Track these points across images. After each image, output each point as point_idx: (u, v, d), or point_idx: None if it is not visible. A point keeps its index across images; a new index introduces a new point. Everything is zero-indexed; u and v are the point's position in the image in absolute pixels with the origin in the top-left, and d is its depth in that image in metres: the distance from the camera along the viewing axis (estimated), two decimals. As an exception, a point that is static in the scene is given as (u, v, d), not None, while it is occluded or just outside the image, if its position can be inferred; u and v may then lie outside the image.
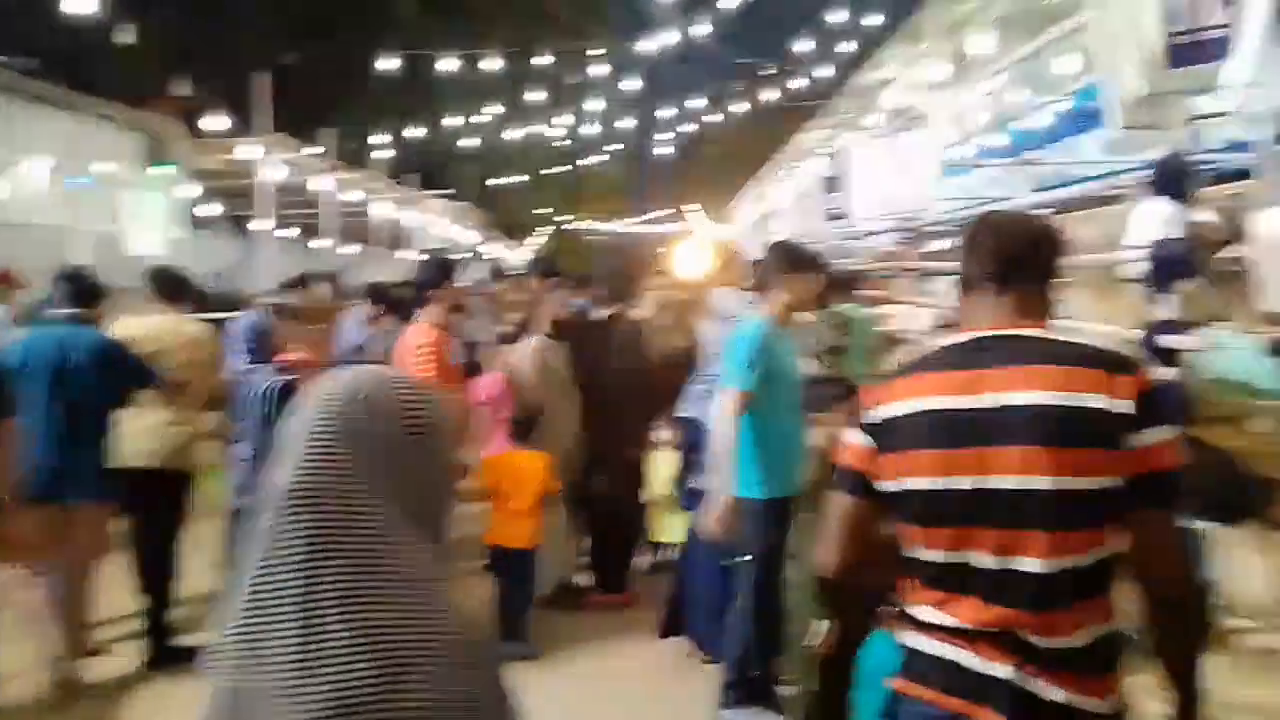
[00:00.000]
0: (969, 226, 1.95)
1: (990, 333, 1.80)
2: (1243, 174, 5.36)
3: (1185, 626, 1.73)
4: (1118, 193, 6.26)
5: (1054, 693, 1.64)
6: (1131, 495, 1.65)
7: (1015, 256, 1.83)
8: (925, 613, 1.78)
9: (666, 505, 4.89)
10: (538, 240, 36.99)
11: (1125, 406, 1.64)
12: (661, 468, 4.95)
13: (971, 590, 1.71)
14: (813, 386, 4.04)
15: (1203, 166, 5.53)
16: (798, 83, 20.45)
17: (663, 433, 4.94)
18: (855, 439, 1.89)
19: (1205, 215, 5.06)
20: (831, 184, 15.12)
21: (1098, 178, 7.11)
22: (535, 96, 22.04)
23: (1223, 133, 5.72)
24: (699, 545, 4.29)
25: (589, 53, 21.43)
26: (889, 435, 1.81)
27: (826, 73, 18.66)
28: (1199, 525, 3.47)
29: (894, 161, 12.43)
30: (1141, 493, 1.65)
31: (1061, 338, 1.79)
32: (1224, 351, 4.06)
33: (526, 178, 31.82)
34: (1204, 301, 4.48)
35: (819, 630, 3.58)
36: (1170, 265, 4.22)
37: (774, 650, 3.86)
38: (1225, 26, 5.29)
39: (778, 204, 21.13)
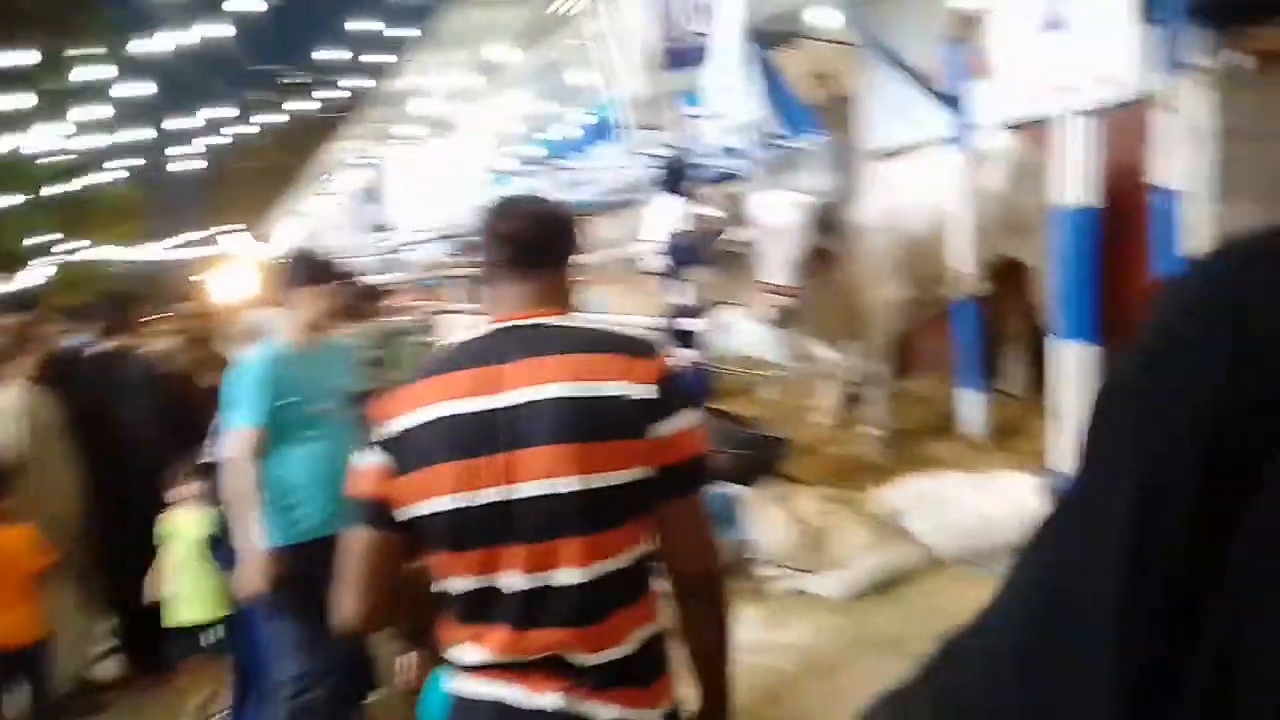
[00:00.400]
0: (485, 214, 1.77)
1: (509, 323, 1.65)
2: (738, 174, 5.97)
3: (714, 601, 1.68)
4: (634, 195, 6.71)
5: (608, 711, 1.53)
6: (661, 485, 1.57)
7: (531, 241, 1.69)
8: (463, 651, 1.59)
9: (198, 575, 4.06)
10: (36, 272, 31.62)
11: (647, 392, 1.56)
12: (187, 529, 4.12)
13: (508, 617, 1.54)
14: (354, 405, 3.70)
15: (703, 166, 6.06)
16: (330, 92, 19.81)
17: (186, 485, 4.12)
18: (368, 460, 1.64)
19: (709, 208, 5.55)
20: (370, 195, 14.77)
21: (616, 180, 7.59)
22: (25, 101, 18.86)
23: (720, 136, 6.32)
24: (245, 610, 3.72)
25: (89, 52, 18.80)
26: (404, 451, 1.59)
27: (358, 82, 18.27)
28: (728, 491, 3.73)
29: (432, 171, 12.42)
30: (671, 482, 1.58)
31: (581, 324, 1.68)
32: (733, 329, 4.48)
33: (19, 198, 27.01)
34: (714, 285, 4.92)
35: (405, 665, 3.30)
36: (682, 255, 4.58)
37: (355, 701, 3.52)
38: (704, 35, 5.82)
39: (318, 218, 20.29)
